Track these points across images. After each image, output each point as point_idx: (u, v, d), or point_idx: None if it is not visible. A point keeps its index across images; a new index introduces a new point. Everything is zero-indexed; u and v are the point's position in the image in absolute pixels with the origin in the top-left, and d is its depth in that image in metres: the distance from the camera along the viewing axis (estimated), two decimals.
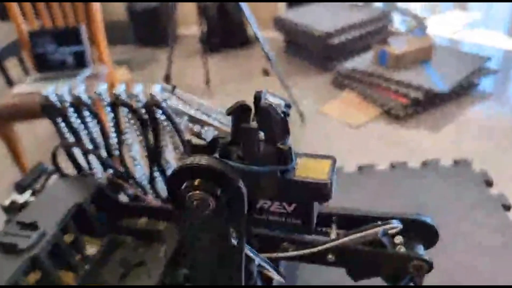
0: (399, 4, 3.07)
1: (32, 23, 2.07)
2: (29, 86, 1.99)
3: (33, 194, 0.70)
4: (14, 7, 2.00)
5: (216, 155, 0.28)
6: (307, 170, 0.28)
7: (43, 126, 2.57)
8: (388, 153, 1.86)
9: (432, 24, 2.99)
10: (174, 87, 0.62)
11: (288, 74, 2.62)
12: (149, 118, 0.59)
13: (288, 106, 0.46)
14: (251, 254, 0.35)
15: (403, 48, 2.30)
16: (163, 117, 0.58)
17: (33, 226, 0.53)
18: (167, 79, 2.40)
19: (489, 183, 0.80)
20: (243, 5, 2.12)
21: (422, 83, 2.13)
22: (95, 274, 0.55)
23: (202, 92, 2.67)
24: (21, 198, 0.71)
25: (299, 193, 0.28)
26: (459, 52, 2.59)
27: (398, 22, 2.96)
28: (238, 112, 0.27)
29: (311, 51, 2.87)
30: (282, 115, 0.27)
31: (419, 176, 0.83)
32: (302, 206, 0.29)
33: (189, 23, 3.41)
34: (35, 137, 2.49)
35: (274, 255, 0.43)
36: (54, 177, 0.72)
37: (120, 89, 0.59)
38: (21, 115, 1.90)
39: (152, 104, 0.57)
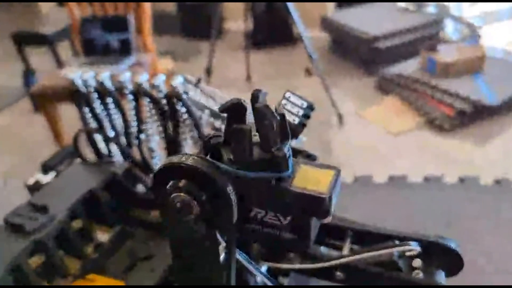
0: (453, 11, 2.91)
1: (85, 10, 2.13)
2: (75, 69, 2.05)
3: (57, 175, 0.71)
4: None
5: (208, 155, 0.26)
6: (307, 180, 0.25)
7: None
8: (425, 165, 1.76)
9: (486, 34, 2.82)
10: (199, 80, 0.61)
11: (331, 75, 2.55)
12: (169, 109, 0.57)
13: (310, 107, 0.43)
14: (245, 263, 0.32)
15: (453, 57, 2.18)
16: (183, 110, 0.57)
17: (43, 209, 0.53)
18: (208, 71, 2.42)
19: None
20: (290, 3, 2.09)
21: (471, 94, 2.01)
22: (101, 263, 0.55)
23: (242, 87, 2.66)
24: (45, 179, 0.71)
25: (295, 205, 0.25)
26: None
27: (450, 29, 2.81)
28: (232, 110, 0.24)
29: (357, 54, 2.80)
30: (282, 118, 0.24)
31: (454, 192, 0.77)
32: (298, 220, 0.25)
33: (236, 18, 3.41)
34: (76, 118, 2.58)
35: (279, 265, 0.40)
36: (77, 161, 0.72)
37: (143, 78, 0.58)
38: (65, 97, 1.96)
39: (172, 96, 0.55)
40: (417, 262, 0.40)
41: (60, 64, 2.77)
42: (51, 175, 0.72)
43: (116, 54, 2.08)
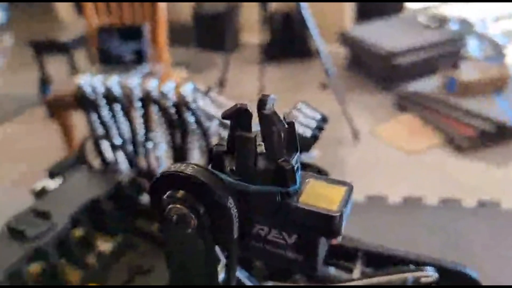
0: (476, 28, 2.87)
1: (102, 19, 2.16)
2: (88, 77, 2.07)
3: (64, 182, 0.69)
4: (89, 4, 2.12)
5: (210, 165, 0.24)
6: (315, 196, 0.22)
7: None
8: (442, 186, 1.70)
9: (510, 53, 2.77)
10: (209, 89, 0.59)
11: (347, 90, 2.53)
12: (177, 118, 0.55)
13: (324, 120, 0.41)
14: (246, 282, 0.30)
15: (474, 76, 2.13)
16: (192, 119, 0.55)
17: (45, 216, 0.52)
18: (221, 83, 2.41)
19: None
20: (307, 17, 2.08)
21: (492, 114, 1.96)
22: (101, 274, 0.53)
23: (255, 100, 2.66)
24: (51, 185, 0.70)
25: (301, 223, 0.22)
26: None
27: (473, 47, 2.76)
28: (236, 116, 0.22)
29: (375, 70, 2.77)
30: (290, 126, 0.22)
31: (472, 217, 0.73)
32: (305, 239, 0.23)
33: (253, 31, 3.43)
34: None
35: (283, 284, 0.38)
36: (82, 167, 0.71)
37: (152, 84, 0.57)
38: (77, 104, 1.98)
39: (181, 104, 0.54)
40: None
41: (75, 71, 2.81)
42: (57, 181, 0.71)
43: (130, 63, 2.11)
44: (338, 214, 0.21)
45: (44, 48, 2.74)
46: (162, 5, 2.07)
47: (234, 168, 0.23)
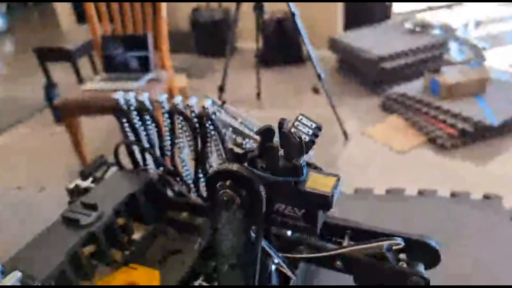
0: (458, 32, 3.02)
1: (106, 28, 2.27)
2: (96, 84, 2.19)
3: (93, 181, 0.81)
4: (92, 12, 2.22)
5: (246, 164, 0.36)
6: (316, 183, 0.35)
7: (104, 121, 2.80)
8: (424, 180, 1.86)
9: (491, 57, 2.93)
10: (223, 102, 0.72)
11: (338, 93, 2.67)
12: (199, 127, 0.68)
13: (318, 128, 0.53)
14: (268, 249, 0.42)
15: (456, 78, 2.28)
16: (211, 127, 0.67)
17: (93, 207, 0.63)
18: (221, 89, 2.53)
19: None
20: (299, 23, 2.20)
21: (472, 115, 2.11)
22: (138, 255, 0.65)
23: (253, 104, 2.78)
24: (83, 184, 0.82)
25: (307, 201, 0.35)
26: None
27: (455, 51, 2.92)
28: (265, 133, 0.34)
29: (363, 73, 2.90)
30: (298, 139, 0.34)
31: (446, 206, 0.86)
32: (309, 212, 0.36)
33: (248, 37, 3.55)
34: (96, 131, 2.71)
35: (290, 255, 0.50)
36: (113, 168, 0.83)
37: (177, 99, 0.69)
38: (87, 110, 2.09)
39: (203, 116, 0.66)
40: (403, 256, 0.49)
41: (80, 78, 2.91)
42: (89, 181, 0.83)
43: (135, 70, 2.22)
44: (330, 194, 0.34)
45: (49, 55, 2.84)
46: (163, 14, 2.19)
47: (263, 166, 0.35)
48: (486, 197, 0.89)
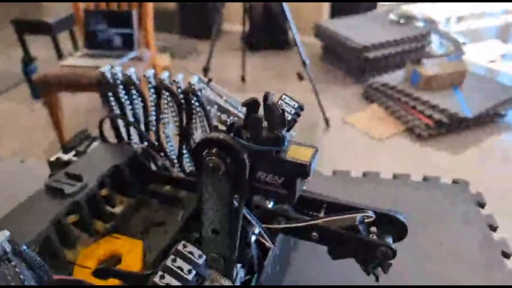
0: (440, 26, 3.08)
1: (89, 3, 2.23)
2: (77, 60, 2.15)
3: (75, 155, 0.82)
4: None
5: (232, 134, 0.38)
6: (296, 153, 0.37)
7: (83, 99, 2.76)
8: (399, 166, 1.93)
9: (470, 51, 3.00)
10: (209, 80, 0.73)
11: (321, 80, 2.70)
12: (185, 103, 0.69)
13: (300, 108, 0.56)
14: (249, 217, 0.45)
15: (436, 70, 2.34)
16: (197, 104, 0.69)
17: (77, 178, 0.65)
18: (205, 71, 2.53)
19: (481, 204, 0.87)
20: (286, 8, 2.21)
21: (448, 106, 2.17)
22: (121, 226, 0.67)
23: (237, 87, 2.79)
24: (64, 157, 0.83)
25: (287, 169, 0.37)
26: (491, 81, 2.60)
27: (436, 44, 2.98)
28: (250, 104, 0.36)
29: (347, 62, 2.94)
30: (281, 111, 0.37)
31: (418, 188, 0.91)
32: (288, 180, 0.38)
33: (234, 20, 3.54)
34: (74, 108, 2.68)
35: (270, 226, 0.53)
36: (96, 142, 0.84)
37: (164, 75, 0.70)
38: (68, 86, 2.06)
39: (189, 92, 0.67)
40: (373, 229, 0.53)
41: (59, 54, 2.85)
42: (71, 154, 0.84)
43: (118, 48, 2.19)
44: (309, 163, 0.36)
45: (27, 28, 2.75)
46: None
47: (248, 136, 0.37)
48: (455, 182, 0.94)
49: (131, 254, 0.62)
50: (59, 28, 2.79)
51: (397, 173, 0.95)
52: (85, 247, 0.63)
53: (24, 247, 0.41)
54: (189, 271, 0.36)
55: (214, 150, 0.37)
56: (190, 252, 0.37)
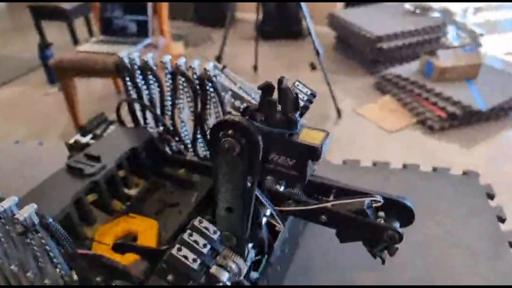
0: (457, 17, 3.04)
1: None
2: (93, 46, 2.18)
3: (93, 138, 0.85)
4: None
5: (247, 117, 0.40)
6: (307, 136, 0.39)
7: (98, 85, 2.80)
8: (409, 157, 1.93)
9: (486, 43, 2.96)
10: (224, 67, 0.75)
11: (334, 71, 2.69)
12: (200, 88, 0.71)
13: (313, 95, 0.57)
14: (261, 198, 0.47)
15: (450, 62, 2.32)
16: (211, 90, 0.71)
17: (96, 159, 0.67)
18: (218, 59, 2.54)
19: (490, 196, 0.87)
20: None
21: (462, 99, 2.16)
22: (137, 205, 0.69)
23: (249, 76, 2.80)
24: (83, 139, 0.85)
25: (299, 151, 0.39)
26: (507, 74, 2.56)
27: (452, 35, 2.95)
28: (265, 88, 0.38)
29: (360, 52, 2.92)
30: (295, 95, 0.38)
31: (427, 178, 0.92)
32: (300, 162, 0.40)
33: (247, 9, 3.53)
34: (89, 93, 2.72)
35: (280, 208, 0.55)
36: (113, 126, 0.87)
37: (181, 61, 0.72)
38: (83, 71, 2.10)
39: (204, 78, 0.69)
40: (381, 214, 0.54)
41: (75, 39, 2.89)
42: (88, 137, 0.86)
43: (133, 35, 2.21)
44: (320, 146, 0.38)
45: (44, 14, 2.79)
46: None
47: (262, 119, 0.39)
48: (465, 173, 0.95)
49: (146, 232, 0.65)
50: (75, 14, 2.83)
51: (407, 163, 0.97)
52: (102, 225, 0.66)
53: (51, 219, 0.43)
54: (204, 245, 0.38)
55: (229, 132, 0.39)
56: (206, 228, 0.39)
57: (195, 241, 0.37)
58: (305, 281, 0.68)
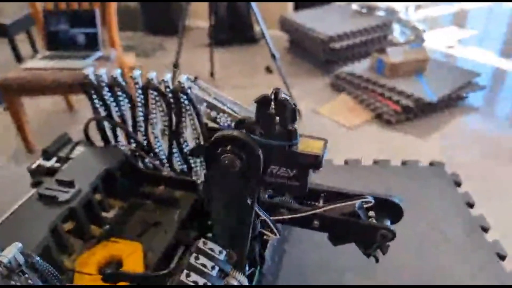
0: (401, 15, 3.18)
1: (47, 3, 2.14)
2: (39, 62, 2.07)
3: (58, 161, 0.80)
4: None
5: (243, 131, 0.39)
6: (307, 146, 0.39)
7: (47, 102, 2.66)
8: (375, 152, 1.99)
9: (429, 38, 3.12)
10: (196, 78, 0.73)
11: (290, 73, 2.73)
12: (174, 102, 0.69)
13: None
14: (257, 210, 0.46)
15: (399, 58, 2.42)
16: (186, 102, 0.69)
17: (70, 184, 0.63)
18: (175, 66, 2.49)
19: (457, 183, 0.92)
20: (253, 3, 2.21)
21: (414, 92, 2.26)
22: (118, 228, 0.66)
23: (207, 82, 2.77)
24: (47, 163, 0.80)
25: (300, 162, 0.39)
26: (452, 66, 2.71)
27: (398, 32, 3.08)
28: (262, 101, 0.37)
29: (313, 53, 2.98)
30: (293, 106, 0.38)
31: (398, 173, 0.95)
32: (300, 172, 0.39)
33: (198, 16, 3.50)
34: (38, 112, 2.58)
35: (274, 217, 0.54)
36: (80, 147, 0.82)
37: (152, 75, 0.70)
38: (32, 89, 1.99)
39: (178, 91, 0.67)
40: (371, 214, 0.55)
41: (18, 56, 2.72)
42: (53, 160, 0.81)
43: (82, 48, 2.13)
44: (321, 154, 0.38)
45: None
46: None
47: (261, 132, 0.38)
48: (431, 164, 0.99)
49: (131, 256, 0.61)
50: (16, 29, 2.66)
51: (377, 159, 0.99)
52: (81, 253, 0.62)
53: (37, 258, 0.40)
54: (212, 268, 0.36)
55: (228, 147, 0.38)
56: (211, 249, 0.37)
57: (203, 265, 0.36)
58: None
